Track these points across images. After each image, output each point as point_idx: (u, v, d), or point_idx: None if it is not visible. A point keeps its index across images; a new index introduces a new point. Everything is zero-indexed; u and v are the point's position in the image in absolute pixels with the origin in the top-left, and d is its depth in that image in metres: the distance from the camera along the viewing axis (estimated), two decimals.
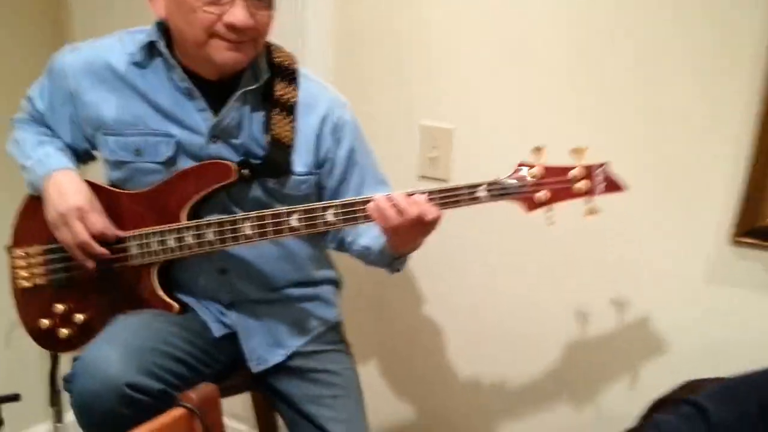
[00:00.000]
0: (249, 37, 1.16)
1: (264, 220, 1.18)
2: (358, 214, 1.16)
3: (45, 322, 1.31)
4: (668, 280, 1.41)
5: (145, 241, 1.25)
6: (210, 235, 1.21)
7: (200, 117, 1.23)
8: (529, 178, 1.14)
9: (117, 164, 1.27)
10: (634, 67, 1.35)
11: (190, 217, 1.24)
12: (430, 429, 1.85)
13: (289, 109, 1.26)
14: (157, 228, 1.23)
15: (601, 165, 1.15)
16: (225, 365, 1.35)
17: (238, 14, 1.11)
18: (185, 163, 1.25)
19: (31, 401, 1.50)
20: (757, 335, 1.34)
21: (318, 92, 1.32)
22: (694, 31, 1.29)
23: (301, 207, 1.17)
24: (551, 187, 1.14)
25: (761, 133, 1.25)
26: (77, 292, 1.30)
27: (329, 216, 1.16)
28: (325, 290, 1.45)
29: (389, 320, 1.82)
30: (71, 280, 1.30)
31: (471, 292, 1.67)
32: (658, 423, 1.00)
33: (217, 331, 1.33)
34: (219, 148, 1.24)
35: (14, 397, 1.55)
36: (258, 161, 1.25)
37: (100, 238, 1.23)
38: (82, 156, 1.35)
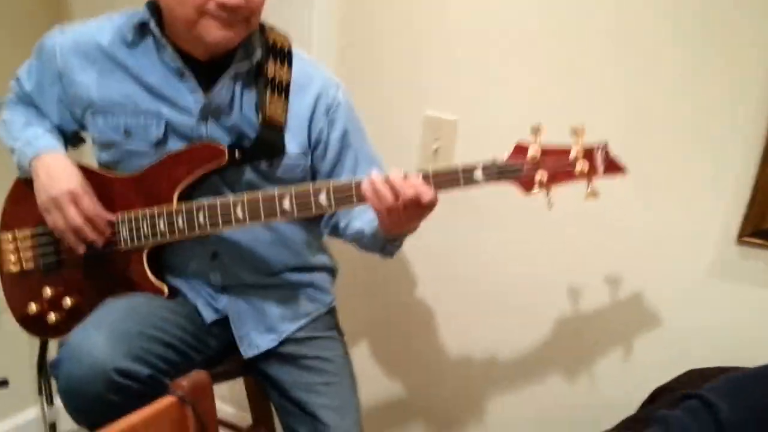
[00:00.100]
0: (241, 16, 1.14)
1: (255, 202, 1.16)
2: (351, 194, 1.13)
3: (33, 307, 1.30)
4: (673, 273, 1.41)
5: (135, 224, 1.23)
6: (201, 218, 1.19)
7: (191, 97, 1.21)
8: (527, 159, 1.12)
9: (106, 145, 1.26)
10: (650, 66, 1.34)
11: (181, 201, 1.22)
12: (424, 410, 1.84)
13: (282, 89, 1.25)
14: (148, 211, 1.22)
15: (601, 145, 1.12)
16: (216, 351, 1.34)
17: None
18: (175, 145, 1.23)
19: (21, 386, 1.49)
20: (757, 331, 1.34)
21: (312, 72, 1.30)
22: (712, 30, 1.28)
23: (293, 188, 1.15)
24: (550, 168, 1.11)
25: None
26: (66, 276, 1.29)
27: (322, 197, 1.14)
28: (320, 277, 1.44)
29: (383, 302, 1.82)
30: (60, 264, 1.29)
31: (465, 274, 1.66)
32: (665, 417, 0.97)
33: (209, 316, 1.31)
34: (210, 129, 1.23)
35: (2, 383, 1.53)
36: (250, 142, 1.23)
37: (92, 223, 1.22)
38: (71, 138, 1.34)
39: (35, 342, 1.48)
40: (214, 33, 1.13)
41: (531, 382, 1.65)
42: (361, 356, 1.87)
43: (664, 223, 1.39)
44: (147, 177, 1.24)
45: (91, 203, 1.22)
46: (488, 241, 1.61)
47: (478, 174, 1.12)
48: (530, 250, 1.56)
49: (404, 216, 1.12)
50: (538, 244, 1.54)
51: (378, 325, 1.86)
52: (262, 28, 1.27)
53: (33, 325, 1.32)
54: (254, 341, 1.33)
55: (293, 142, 1.26)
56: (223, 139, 1.23)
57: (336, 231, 1.39)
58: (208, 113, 1.22)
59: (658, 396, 1.25)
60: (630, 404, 1.29)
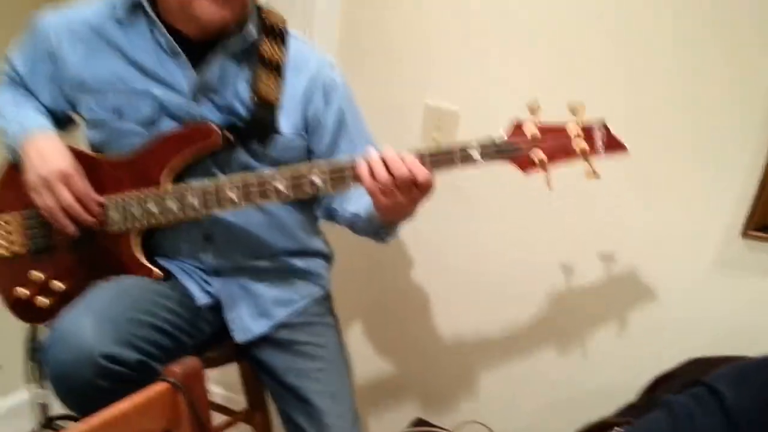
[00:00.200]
0: None
1: (248, 183, 1.14)
2: (346, 174, 1.11)
3: (23, 291, 1.28)
4: (678, 266, 1.41)
5: (125, 206, 1.21)
6: (193, 199, 1.17)
7: (183, 75, 1.19)
8: (526, 138, 1.09)
9: (96, 123, 1.24)
10: (663, 57, 1.32)
11: (173, 182, 1.20)
12: (420, 395, 1.84)
13: (276, 68, 1.23)
14: (138, 193, 1.20)
15: (600, 123, 1.09)
16: (208, 335, 1.32)
17: None
18: (167, 125, 1.21)
19: (14, 368, 1.47)
20: (761, 322, 1.34)
21: (308, 53, 1.28)
22: (727, 24, 1.26)
23: (287, 168, 1.13)
24: (549, 146, 1.08)
25: None
26: (56, 259, 1.27)
27: (316, 177, 1.12)
28: (316, 263, 1.42)
29: (379, 287, 1.82)
30: (50, 248, 1.27)
31: (461, 259, 1.65)
32: (670, 402, 0.97)
33: (201, 299, 1.29)
34: (201, 108, 1.21)
35: None
36: (242, 122, 1.21)
37: (83, 203, 1.20)
38: (62, 120, 1.31)
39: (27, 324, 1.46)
40: (208, 11, 1.11)
41: (528, 369, 1.64)
42: (356, 341, 1.86)
43: (668, 219, 1.39)
44: (137, 159, 1.22)
45: (82, 183, 1.20)
46: (485, 227, 1.60)
47: (475, 153, 1.09)
48: (527, 237, 1.55)
49: (399, 198, 1.09)
50: (536, 229, 1.53)
51: (374, 311, 1.85)
52: (259, 8, 1.24)
53: (22, 309, 1.30)
54: (247, 326, 1.31)
55: (287, 122, 1.24)
56: (215, 119, 1.20)
57: (331, 214, 1.36)
58: (199, 90, 1.19)
59: (660, 384, 1.24)
60: (629, 392, 1.28)
